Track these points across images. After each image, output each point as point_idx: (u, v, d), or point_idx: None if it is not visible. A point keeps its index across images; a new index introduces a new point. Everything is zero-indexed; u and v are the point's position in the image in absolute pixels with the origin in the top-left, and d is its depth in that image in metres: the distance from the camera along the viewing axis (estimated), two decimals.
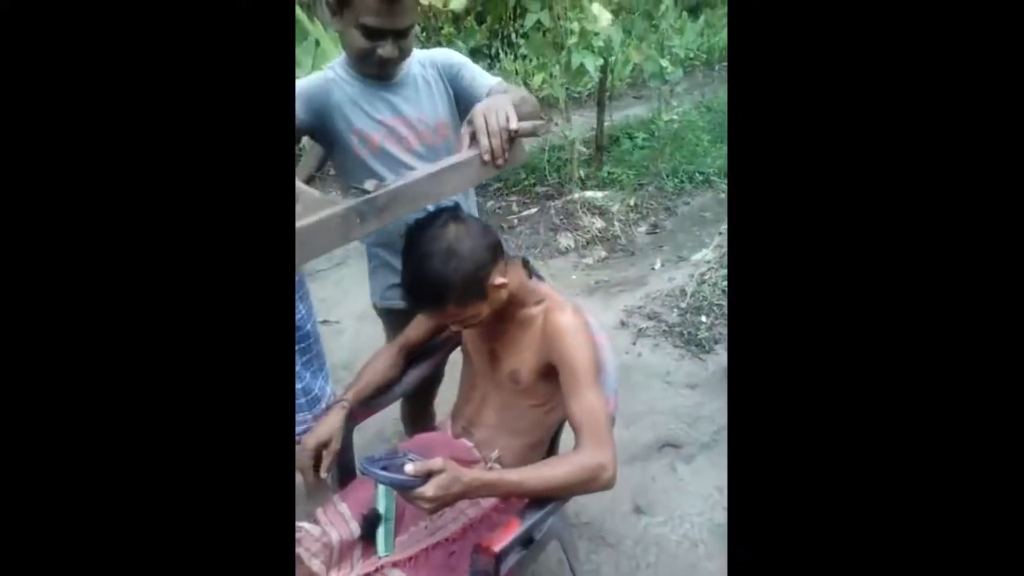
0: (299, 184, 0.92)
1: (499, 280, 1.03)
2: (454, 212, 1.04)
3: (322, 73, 1.22)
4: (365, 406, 1.24)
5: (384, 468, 0.87)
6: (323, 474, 1.11)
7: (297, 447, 1.12)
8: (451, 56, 1.29)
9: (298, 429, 1.47)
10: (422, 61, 1.26)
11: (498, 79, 1.27)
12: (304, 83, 1.19)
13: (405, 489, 0.87)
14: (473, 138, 0.99)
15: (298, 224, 0.84)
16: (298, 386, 1.53)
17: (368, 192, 0.88)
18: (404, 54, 1.16)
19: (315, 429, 1.12)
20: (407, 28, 1.11)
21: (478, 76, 1.26)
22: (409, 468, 0.86)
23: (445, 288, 0.98)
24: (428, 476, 0.86)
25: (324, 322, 2.72)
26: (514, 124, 0.97)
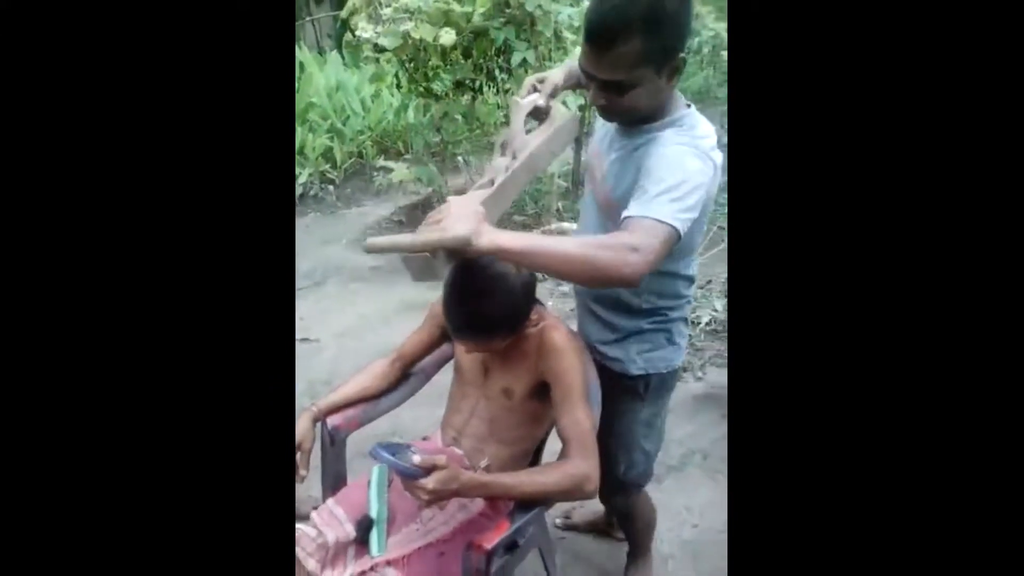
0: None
1: (534, 316, 1.13)
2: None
3: None
4: (347, 417, 1.30)
5: (393, 455, 0.94)
6: (303, 472, 1.20)
7: None
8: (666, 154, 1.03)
9: None
10: (674, 137, 1.07)
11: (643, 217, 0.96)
12: None
13: (408, 477, 0.94)
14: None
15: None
16: None
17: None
18: (615, 107, 1.06)
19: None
20: (616, 82, 1.02)
21: (649, 197, 0.97)
22: (416, 459, 0.94)
23: (504, 320, 1.07)
24: (431, 470, 0.93)
25: (304, 340, 2.76)
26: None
